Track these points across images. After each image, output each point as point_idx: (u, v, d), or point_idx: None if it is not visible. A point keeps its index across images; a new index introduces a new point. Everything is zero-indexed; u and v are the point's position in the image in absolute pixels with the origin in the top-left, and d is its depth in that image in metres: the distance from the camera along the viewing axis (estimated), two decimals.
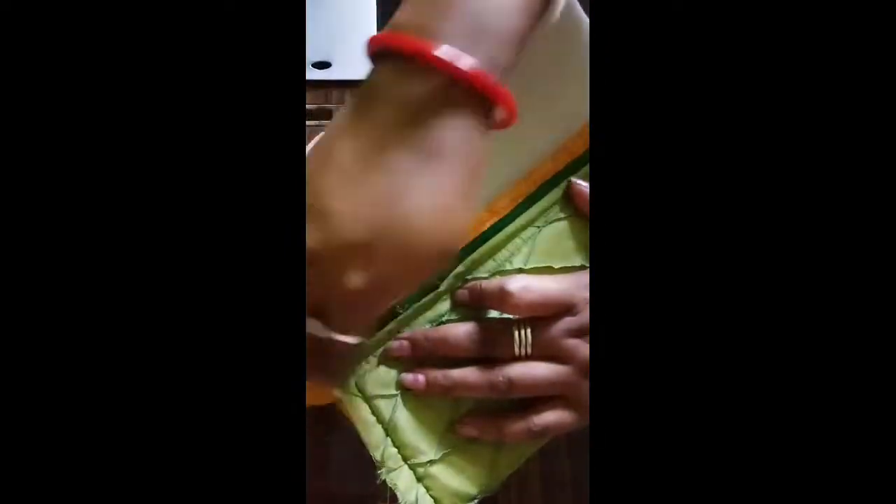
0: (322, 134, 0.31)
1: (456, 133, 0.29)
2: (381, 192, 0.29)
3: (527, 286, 0.37)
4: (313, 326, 0.31)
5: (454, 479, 0.39)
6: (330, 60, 0.63)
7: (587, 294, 0.37)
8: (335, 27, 0.63)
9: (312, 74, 0.61)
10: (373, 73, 0.29)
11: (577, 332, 0.37)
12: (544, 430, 0.37)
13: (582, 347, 0.36)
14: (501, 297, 0.37)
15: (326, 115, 0.55)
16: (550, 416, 0.37)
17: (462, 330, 0.38)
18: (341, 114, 0.31)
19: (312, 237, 0.29)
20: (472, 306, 0.39)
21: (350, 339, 0.32)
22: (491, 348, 0.37)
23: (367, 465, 0.41)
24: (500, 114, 0.31)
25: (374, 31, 0.59)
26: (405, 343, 0.39)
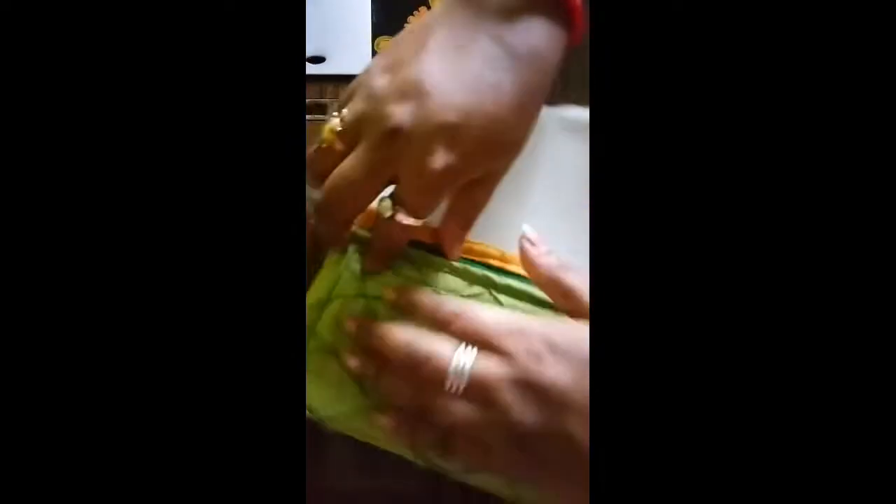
0: (415, 22, 0.36)
1: (541, 37, 0.32)
2: (475, 78, 0.31)
3: (465, 312, 0.34)
4: (383, 206, 0.33)
5: (321, 389, 0.38)
6: (324, 55, 0.63)
7: (535, 346, 0.32)
8: (330, 21, 0.62)
9: (307, 69, 0.60)
10: None
11: (517, 384, 0.32)
12: (451, 457, 0.34)
13: (513, 406, 0.32)
14: (442, 316, 0.34)
15: (321, 109, 0.55)
16: (461, 449, 0.34)
17: (401, 340, 0.34)
18: (438, 6, 0.34)
19: (404, 114, 0.31)
20: (399, 310, 0.36)
21: (414, 221, 0.34)
22: (422, 374, 0.33)
23: (365, 461, 0.41)
24: (574, 31, 0.33)
25: (368, 26, 0.59)
26: (352, 324, 0.36)
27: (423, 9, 0.57)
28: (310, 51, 0.62)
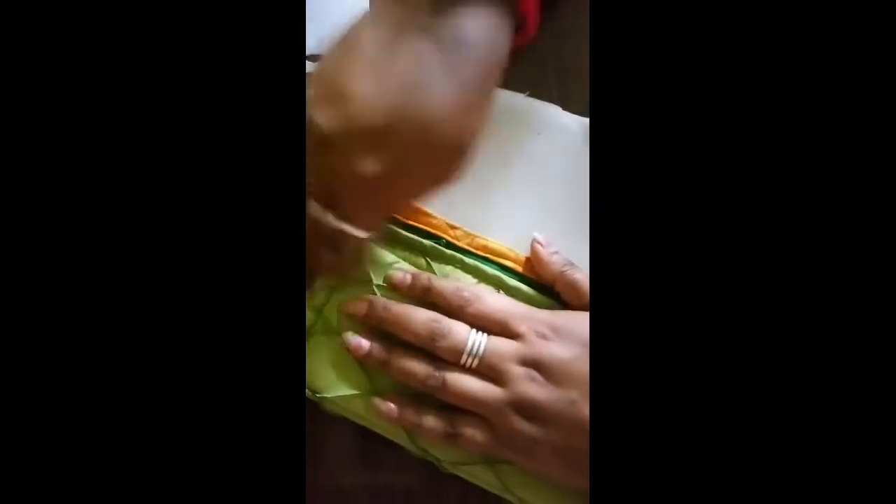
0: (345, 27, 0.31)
1: (479, 27, 0.29)
2: (402, 78, 0.28)
3: (480, 296, 0.38)
4: (325, 216, 0.31)
5: (324, 371, 0.39)
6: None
7: (541, 329, 0.37)
8: (330, 20, 0.62)
9: (308, 68, 0.60)
10: None
11: (526, 362, 0.37)
12: (457, 439, 0.37)
13: (521, 379, 0.36)
14: (457, 300, 0.38)
15: None
16: (468, 430, 0.37)
17: (422, 317, 0.38)
18: (370, 4, 0.31)
19: (329, 120, 0.29)
20: (409, 296, 0.39)
21: (359, 232, 0.31)
22: (441, 347, 0.38)
23: (365, 457, 0.41)
24: (524, 27, 0.31)
25: None
26: (362, 305, 0.38)
27: None
28: (310, 50, 0.62)
